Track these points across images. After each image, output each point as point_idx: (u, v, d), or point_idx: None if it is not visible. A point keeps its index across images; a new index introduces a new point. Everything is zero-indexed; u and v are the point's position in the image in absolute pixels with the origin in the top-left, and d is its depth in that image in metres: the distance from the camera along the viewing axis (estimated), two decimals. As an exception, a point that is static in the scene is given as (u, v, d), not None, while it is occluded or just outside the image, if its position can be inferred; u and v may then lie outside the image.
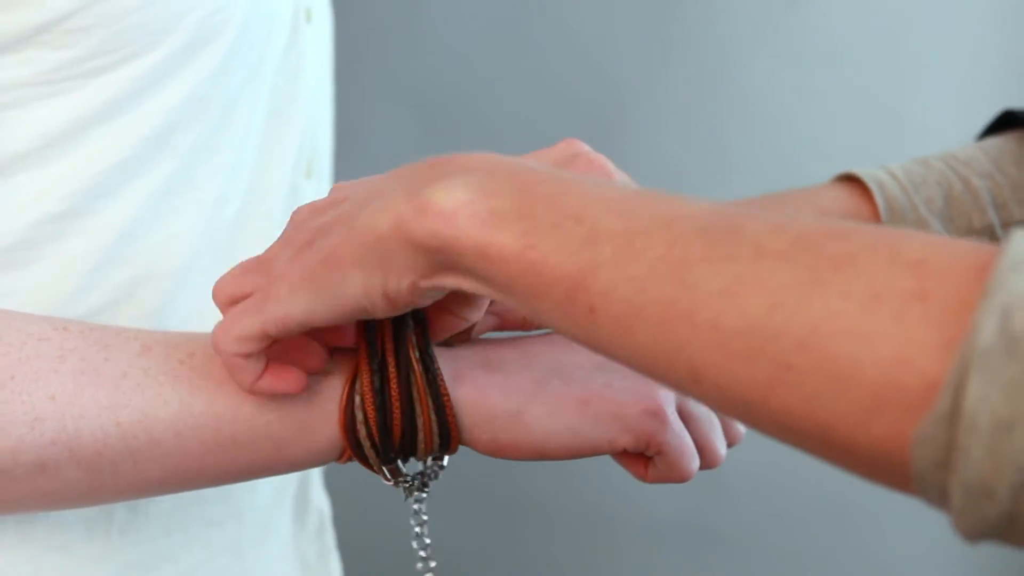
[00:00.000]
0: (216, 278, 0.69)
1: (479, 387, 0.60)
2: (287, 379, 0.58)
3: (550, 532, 1.67)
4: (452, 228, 0.49)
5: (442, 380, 0.59)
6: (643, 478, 0.63)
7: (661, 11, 1.66)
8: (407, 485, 0.62)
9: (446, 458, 0.62)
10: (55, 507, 0.62)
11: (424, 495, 0.62)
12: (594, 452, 0.61)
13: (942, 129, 1.69)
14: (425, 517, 0.62)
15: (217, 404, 0.59)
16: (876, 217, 0.77)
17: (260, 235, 0.71)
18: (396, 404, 0.59)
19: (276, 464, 0.61)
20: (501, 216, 0.48)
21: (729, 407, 0.43)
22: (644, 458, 0.62)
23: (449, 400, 0.59)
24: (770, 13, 1.67)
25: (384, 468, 0.60)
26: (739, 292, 0.42)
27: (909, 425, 0.38)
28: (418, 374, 0.59)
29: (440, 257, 0.50)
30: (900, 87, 1.71)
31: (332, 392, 0.60)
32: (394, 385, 0.59)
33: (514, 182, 0.49)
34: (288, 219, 0.59)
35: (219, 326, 0.57)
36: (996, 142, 0.83)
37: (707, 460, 0.62)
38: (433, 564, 0.63)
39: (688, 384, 0.44)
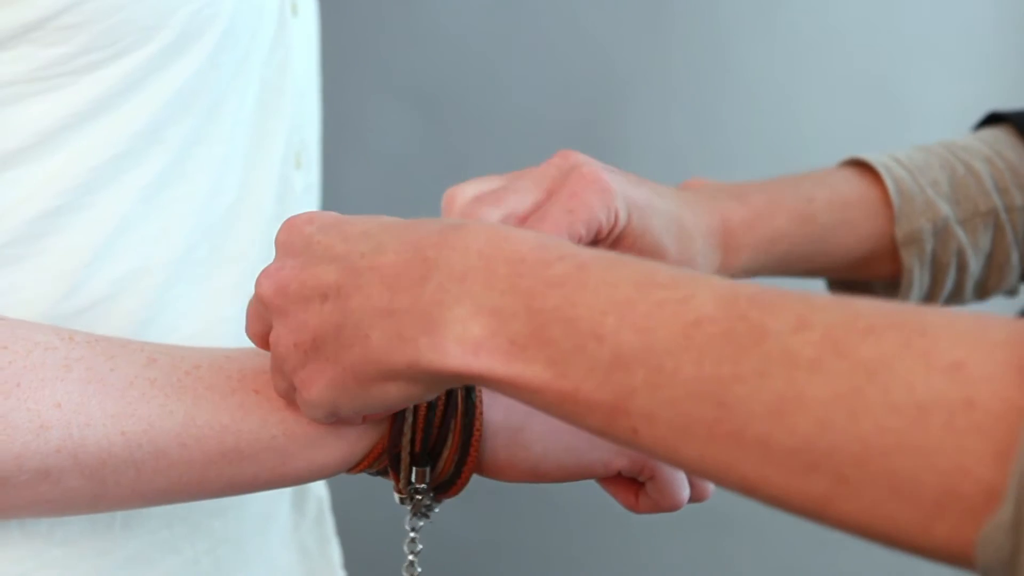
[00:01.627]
0: (210, 270, 0.70)
1: (484, 406, 0.60)
2: None
3: (562, 522, 1.67)
4: (477, 367, 0.48)
5: (479, 391, 0.60)
6: (633, 508, 0.63)
7: (661, 5, 1.66)
8: (419, 499, 0.62)
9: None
10: (57, 514, 0.62)
11: (421, 524, 0.63)
12: (589, 474, 0.62)
13: (942, 111, 1.69)
14: (420, 546, 0.63)
15: (222, 416, 0.59)
16: (886, 199, 0.79)
17: (252, 226, 0.72)
18: (439, 413, 0.59)
19: (280, 478, 0.61)
20: (521, 346, 0.48)
21: (788, 511, 0.44)
22: (635, 486, 0.62)
23: (481, 411, 0.60)
24: (767, 2, 1.67)
25: (412, 472, 0.60)
26: (783, 411, 0.42)
27: (972, 528, 0.39)
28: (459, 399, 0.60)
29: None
30: (901, 72, 1.71)
31: None
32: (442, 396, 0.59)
33: (519, 295, 0.48)
34: (275, 233, 0.58)
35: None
36: (990, 131, 0.85)
37: (696, 492, 0.63)
38: (419, 571, 0.63)
39: (743, 493, 0.45)
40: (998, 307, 0.89)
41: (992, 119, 0.85)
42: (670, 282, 0.46)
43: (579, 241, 0.64)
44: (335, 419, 0.57)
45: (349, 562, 0.89)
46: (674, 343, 0.44)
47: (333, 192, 0.90)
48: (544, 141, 1.65)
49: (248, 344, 0.64)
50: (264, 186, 0.73)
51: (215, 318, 0.71)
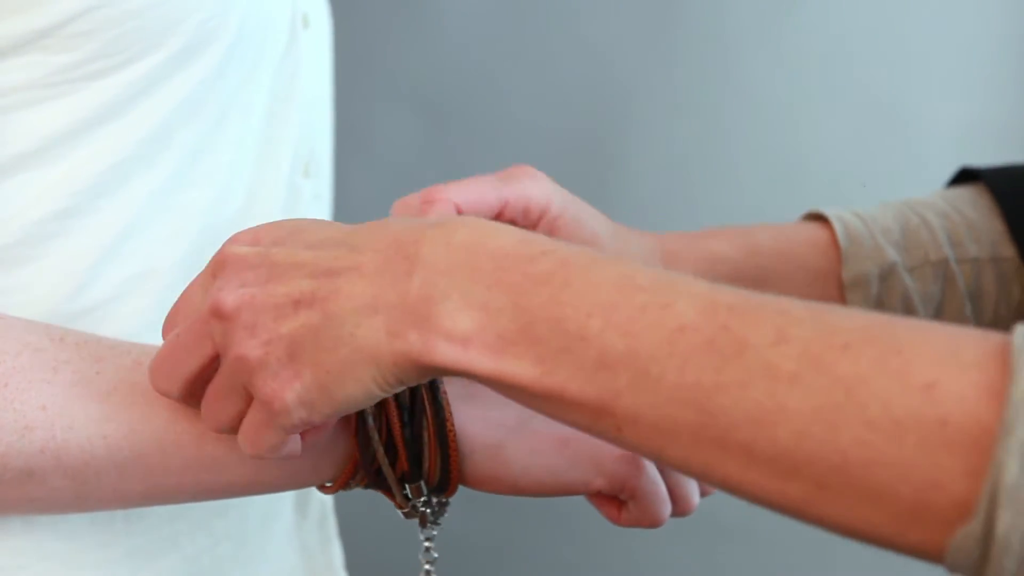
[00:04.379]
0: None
1: (462, 420, 0.61)
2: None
3: (561, 529, 1.67)
4: (465, 361, 0.49)
5: (447, 404, 0.60)
6: (616, 521, 0.63)
7: (665, 10, 1.66)
8: (423, 511, 0.62)
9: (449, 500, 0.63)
10: (42, 512, 0.63)
11: (434, 532, 0.63)
12: (569, 492, 0.62)
13: (946, 127, 1.68)
14: (436, 555, 0.63)
15: (199, 423, 0.59)
16: (834, 242, 0.79)
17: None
18: (397, 422, 0.59)
19: (254, 486, 0.62)
20: (510, 341, 0.48)
21: (770, 510, 0.46)
22: (617, 501, 0.63)
23: (452, 426, 0.60)
24: (774, 12, 1.67)
25: (405, 488, 0.61)
26: (765, 421, 0.44)
27: (944, 535, 0.42)
28: (426, 400, 0.60)
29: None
30: (905, 87, 1.71)
31: None
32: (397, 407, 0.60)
33: (506, 290, 0.49)
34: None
35: (243, 443, 0.55)
36: (953, 190, 0.85)
37: (679, 507, 0.63)
38: None
39: (726, 491, 0.47)
40: None
41: (962, 176, 0.85)
42: (651, 285, 0.47)
43: (503, 211, 0.66)
44: (299, 430, 0.54)
45: (351, 563, 0.90)
46: (658, 349, 0.46)
47: (341, 200, 0.91)
48: (550, 151, 1.66)
49: None
50: (271, 194, 0.74)
51: (221, 322, 0.71)
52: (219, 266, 0.55)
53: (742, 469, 0.45)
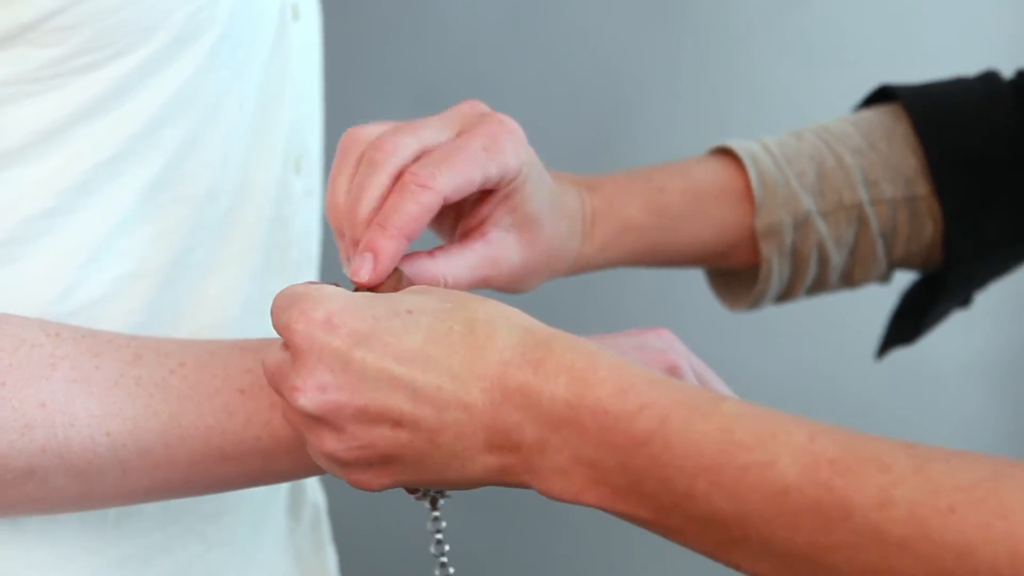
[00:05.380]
0: (206, 273, 0.70)
1: None
2: None
3: (561, 530, 1.67)
4: (582, 503, 0.53)
5: None
6: None
7: (669, 5, 1.66)
8: (433, 494, 0.61)
9: None
10: (44, 512, 0.63)
11: (443, 524, 0.62)
12: None
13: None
14: (444, 524, 0.63)
15: (207, 417, 0.60)
16: (748, 189, 0.79)
17: (250, 230, 0.72)
18: None
19: (265, 476, 0.62)
20: (622, 495, 0.52)
21: None
22: None
23: None
24: (779, 8, 1.67)
25: None
26: None
27: None
28: None
29: None
30: (910, 81, 1.71)
31: None
32: None
33: (612, 450, 0.51)
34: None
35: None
36: (869, 116, 0.83)
37: None
38: (452, 571, 0.63)
39: None
40: (886, 292, 0.88)
41: (880, 93, 0.84)
42: (751, 440, 0.49)
43: (486, 182, 0.64)
44: None
45: (344, 568, 0.89)
46: (765, 511, 0.48)
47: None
48: (550, 148, 1.64)
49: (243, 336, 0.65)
50: (262, 190, 0.73)
51: (211, 321, 0.71)
52: (293, 347, 0.55)
53: None
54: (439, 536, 0.62)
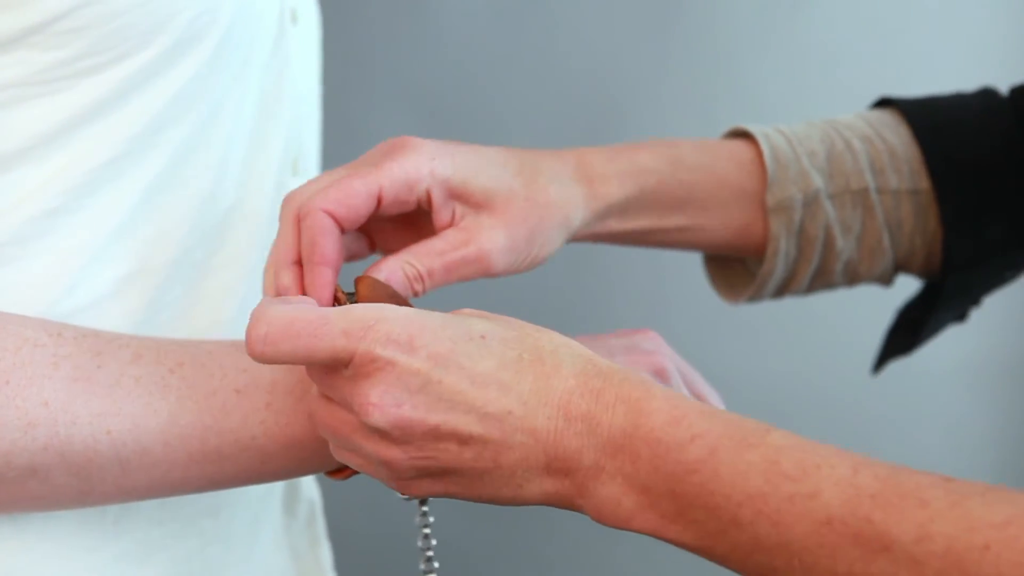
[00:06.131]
0: (206, 272, 0.71)
1: None
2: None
3: (551, 530, 1.67)
4: (630, 528, 0.56)
5: None
6: None
7: (663, 12, 1.66)
8: None
9: None
10: (45, 509, 0.63)
11: (431, 519, 0.64)
12: None
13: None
14: (432, 519, 0.64)
15: (204, 416, 0.60)
16: (761, 163, 0.78)
17: (249, 231, 0.72)
18: None
19: (262, 475, 0.63)
20: (670, 520, 0.55)
21: None
22: None
23: None
24: (771, 15, 1.67)
25: None
26: None
27: None
28: None
29: None
30: (906, 87, 1.70)
31: None
32: None
33: (663, 477, 0.54)
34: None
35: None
36: (874, 112, 0.84)
37: None
38: (436, 565, 0.64)
39: None
40: (874, 295, 0.88)
41: (880, 104, 0.85)
42: (796, 472, 0.52)
43: (382, 196, 0.65)
44: None
45: (340, 564, 0.89)
46: (808, 540, 0.51)
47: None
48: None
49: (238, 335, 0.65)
50: (261, 191, 0.73)
51: (211, 321, 0.71)
52: (368, 364, 0.56)
53: None
54: (427, 531, 0.63)
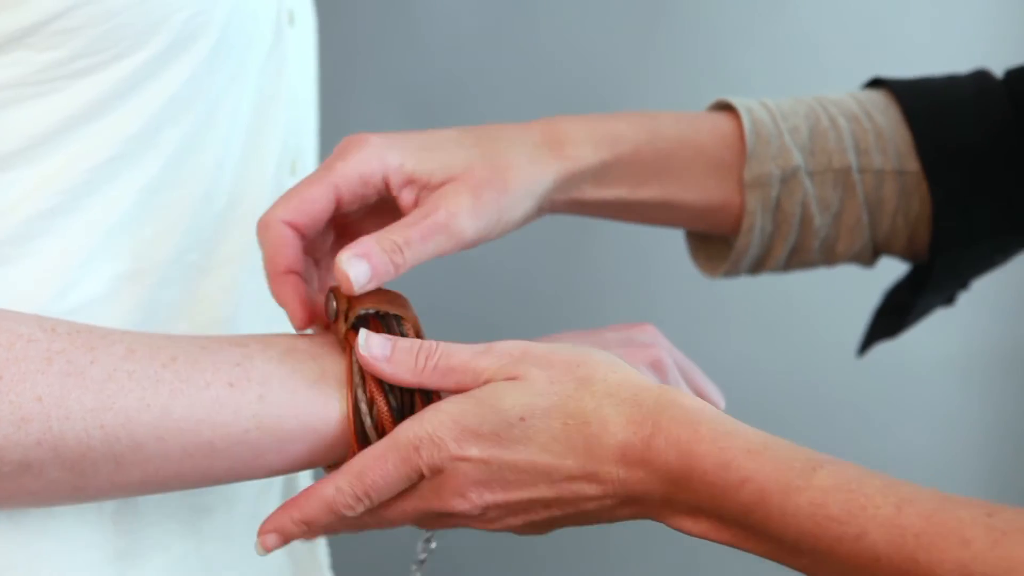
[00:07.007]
0: (203, 273, 0.71)
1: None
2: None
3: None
4: (709, 539, 0.60)
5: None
6: None
7: (651, 10, 1.66)
8: None
9: None
10: (40, 504, 0.63)
11: None
12: None
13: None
14: (435, 544, 0.66)
15: (197, 410, 0.61)
16: (741, 139, 0.78)
17: (245, 232, 0.72)
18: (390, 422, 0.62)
19: (254, 471, 0.64)
20: (740, 538, 0.59)
21: None
22: None
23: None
24: (758, 11, 1.67)
25: None
26: None
27: None
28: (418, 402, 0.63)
29: None
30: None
31: (310, 405, 0.63)
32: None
33: (725, 510, 0.58)
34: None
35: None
36: (865, 92, 0.83)
37: None
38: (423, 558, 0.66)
39: None
40: (864, 289, 0.88)
41: (875, 84, 0.84)
42: (843, 516, 0.54)
43: (340, 197, 0.68)
44: None
45: (337, 563, 0.90)
46: (860, 573, 0.54)
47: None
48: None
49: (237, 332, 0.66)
50: (258, 192, 0.74)
51: (208, 320, 0.72)
52: (437, 472, 0.61)
53: None
54: (428, 532, 0.65)
